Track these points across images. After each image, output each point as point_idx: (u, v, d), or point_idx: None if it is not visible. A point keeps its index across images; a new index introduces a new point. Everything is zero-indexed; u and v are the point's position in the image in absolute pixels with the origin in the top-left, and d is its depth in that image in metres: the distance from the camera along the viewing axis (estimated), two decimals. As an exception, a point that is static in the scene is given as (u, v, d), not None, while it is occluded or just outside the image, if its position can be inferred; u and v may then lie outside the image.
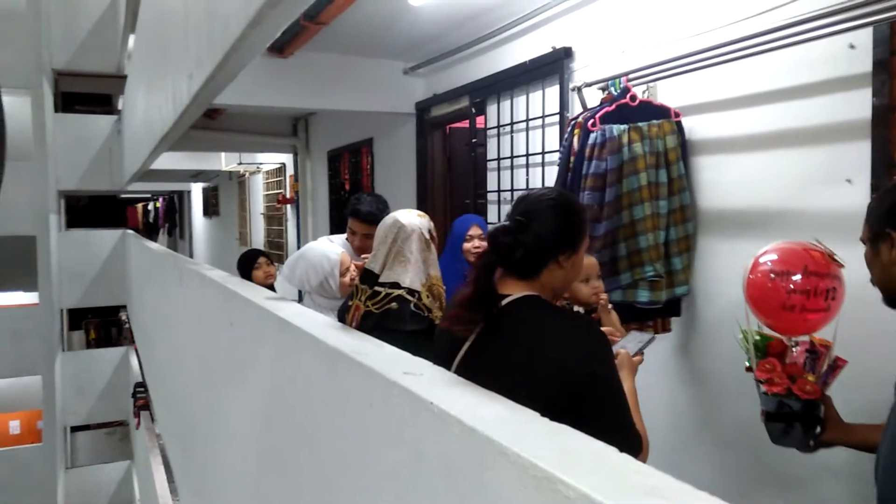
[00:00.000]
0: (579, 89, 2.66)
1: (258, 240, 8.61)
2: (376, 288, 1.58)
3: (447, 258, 2.60)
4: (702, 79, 2.40)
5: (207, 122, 6.29)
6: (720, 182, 2.41)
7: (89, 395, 5.70)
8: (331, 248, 2.28)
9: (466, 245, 2.67)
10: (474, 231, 2.69)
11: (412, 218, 1.76)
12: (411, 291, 1.58)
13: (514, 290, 1.34)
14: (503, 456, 0.89)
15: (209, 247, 12.38)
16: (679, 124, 2.45)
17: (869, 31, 1.86)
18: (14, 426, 9.21)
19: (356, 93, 4.37)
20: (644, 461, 1.26)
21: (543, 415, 1.08)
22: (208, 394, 2.30)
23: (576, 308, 1.81)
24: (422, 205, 4.50)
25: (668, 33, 2.53)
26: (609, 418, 1.24)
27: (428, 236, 1.72)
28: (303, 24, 3.48)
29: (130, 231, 6.10)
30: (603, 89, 2.57)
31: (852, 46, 1.92)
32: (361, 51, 4.19)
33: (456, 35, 3.71)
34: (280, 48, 3.95)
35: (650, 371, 2.31)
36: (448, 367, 1.38)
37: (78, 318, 10.09)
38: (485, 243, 2.07)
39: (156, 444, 4.35)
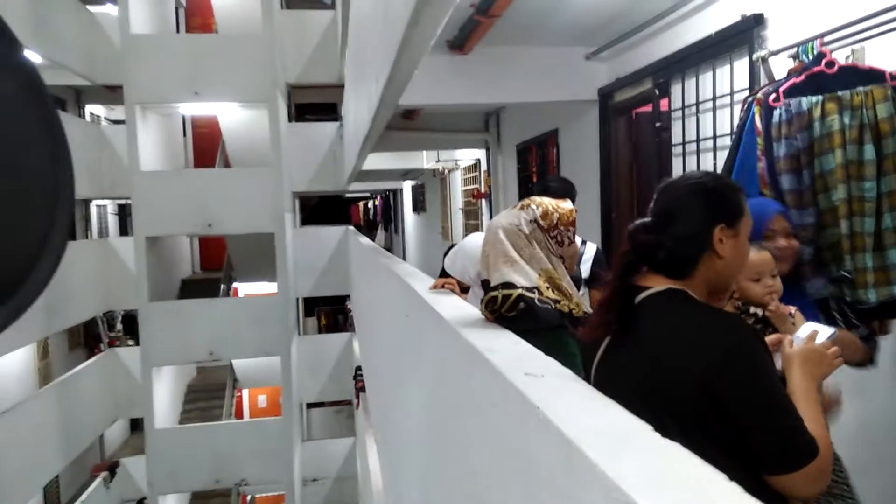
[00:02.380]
0: (763, 59, 2.36)
1: (458, 233, 8.97)
2: (491, 294, 1.57)
3: None
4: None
5: (406, 123, 6.66)
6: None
7: (320, 376, 6.38)
8: None
9: (767, 245, 1.87)
10: (776, 224, 1.87)
11: (499, 217, 1.70)
12: (529, 289, 1.54)
13: (657, 285, 1.24)
14: (593, 474, 0.86)
15: (417, 240, 13.17)
16: (895, 90, 2.06)
17: None
18: (261, 400, 10.71)
19: (538, 83, 4.33)
20: (822, 468, 1.11)
21: (671, 420, 1.01)
22: (395, 378, 2.49)
23: (752, 310, 1.62)
24: (605, 195, 4.35)
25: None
26: (759, 423, 1.09)
27: (528, 229, 1.60)
28: (476, 19, 3.52)
29: (352, 227, 6.74)
30: (793, 57, 2.25)
31: None
32: (540, 40, 4.14)
33: (636, 13, 3.50)
34: (460, 45, 4.03)
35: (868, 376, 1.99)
36: (589, 373, 1.34)
37: (311, 306, 11.38)
38: (793, 242, 1.83)
39: (371, 424, 4.75)
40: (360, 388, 5.13)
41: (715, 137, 3.07)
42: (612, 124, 4.28)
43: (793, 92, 2.07)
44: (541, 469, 1.04)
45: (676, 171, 3.44)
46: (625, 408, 0.92)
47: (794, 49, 2.26)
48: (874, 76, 2.08)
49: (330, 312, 12.42)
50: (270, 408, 9.85)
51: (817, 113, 2.01)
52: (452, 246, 4.07)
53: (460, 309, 1.99)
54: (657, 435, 0.93)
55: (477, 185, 7.75)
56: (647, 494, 0.73)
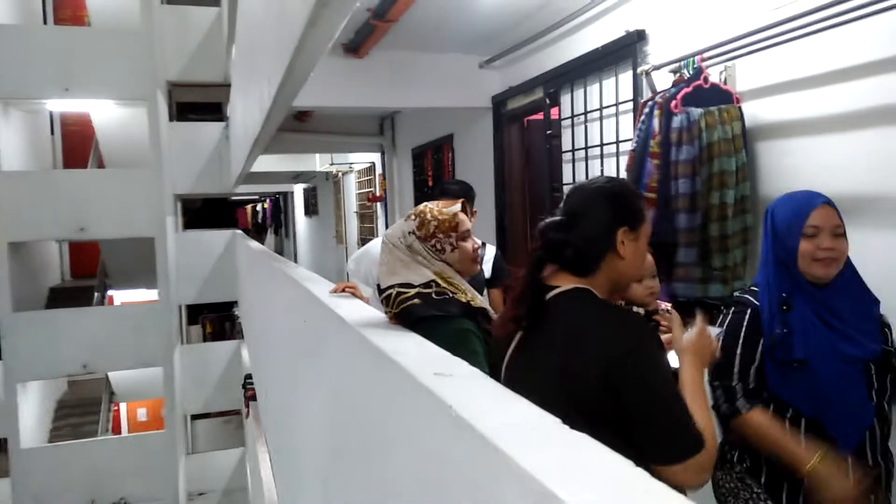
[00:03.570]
0: (647, 73, 2.53)
1: (352, 237, 8.89)
2: (388, 292, 1.59)
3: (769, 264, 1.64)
4: (774, 58, 2.20)
5: (298, 125, 6.53)
6: (785, 169, 2.21)
7: (206, 386, 6.12)
8: None
9: (806, 247, 1.55)
10: (821, 219, 1.54)
11: (390, 229, 1.73)
12: (426, 284, 1.58)
13: (565, 284, 1.29)
14: (508, 467, 0.88)
15: (310, 245, 12.90)
16: (741, 110, 2.27)
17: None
18: (142, 413, 10.09)
19: (433, 89, 4.38)
20: (708, 459, 1.19)
21: (577, 413, 1.05)
22: (291, 385, 2.41)
23: (634, 309, 1.73)
24: (500, 200, 4.47)
25: (745, 7, 2.35)
26: (652, 416, 1.15)
27: (407, 241, 1.64)
28: (372, 24, 3.50)
29: (239, 231, 6.50)
30: (674, 71, 2.43)
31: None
32: (436, 46, 4.19)
33: (528, 24, 3.63)
34: (355, 48, 4.01)
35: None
36: (498, 371, 1.37)
37: (195, 313, 10.86)
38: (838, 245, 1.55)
39: (262, 433, 4.60)
40: (251, 397, 5.00)
41: (602, 145, 3.24)
42: (506, 131, 4.40)
43: (684, 102, 2.23)
44: (454, 467, 1.05)
45: (566, 177, 3.60)
46: (535, 401, 0.95)
47: (676, 64, 2.42)
48: (728, 96, 2.30)
49: (216, 320, 11.95)
50: (152, 421, 9.32)
51: (703, 124, 2.19)
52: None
53: (363, 312, 1.97)
54: (567, 427, 0.97)
55: (372, 189, 7.72)
56: (563, 484, 0.76)
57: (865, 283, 1.61)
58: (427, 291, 1.56)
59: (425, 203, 1.74)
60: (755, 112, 2.31)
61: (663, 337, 1.42)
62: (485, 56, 4.24)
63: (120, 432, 9.74)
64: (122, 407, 10.04)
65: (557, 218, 1.34)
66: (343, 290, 2.48)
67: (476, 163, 4.79)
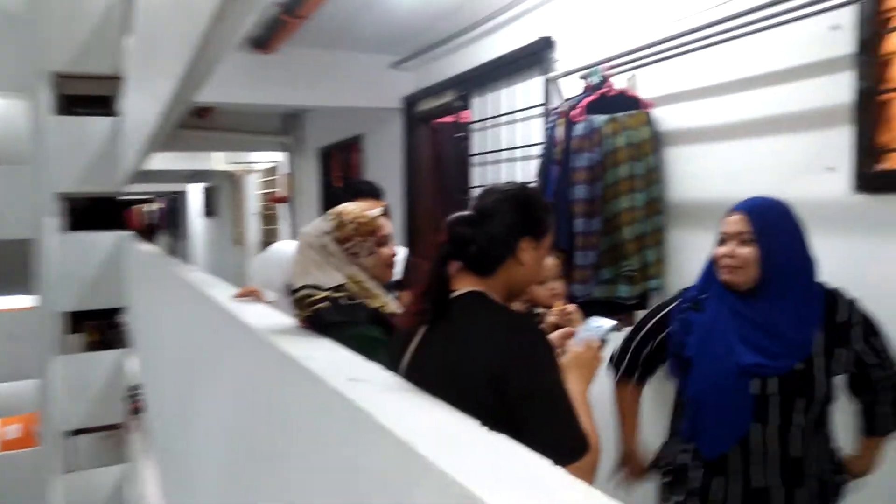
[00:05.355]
0: (555, 80, 2.58)
1: (254, 240, 8.60)
2: (297, 294, 1.53)
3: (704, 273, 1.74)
4: (680, 66, 2.32)
5: (198, 122, 6.24)
6: (693, 174, 2.34)
7: (86, 399, 5.69)
8: (293, 248, 2.24)
9: (716, 252, 1.62)
10: (729, 226, 1.60)
11: (307, 227, 1.68)
12: (336, 288, 1.53)
13: (465, 286, 1.29)
14: (429, 472, 0.83)
15: (207, 247, 12.36)
16: (651, 115, 2.38)
17: (852, 10, 1.78)
18: (12, 431, 9.23)
19: (343, 88, 4.30)
20: (592, 464, 1.19)
21: (470, 414, 1.03)
22: (186, 396, 2.26)
23: (537, 310, 1.75)
24: (409, 202, 4.44)
25: (648, 19, 2.45)
26: (542, 417, 1.16)
27: (322, 242, 1.60)
28: (282, 19, 3.40)
29: (128, 233, 6.09)
30: (583, 78, 2.50)
31: (835, 27, 1.84)
32: (347, 45, 4.12)
33: (442, 26, 3.64)
34: (262, 44, 3.88)
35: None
36: (399, 364, 1.34)
37: (78, 321, 10.08)
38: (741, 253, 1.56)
39: (149, 447, 4.34)
40: (137, 409, 4.73)
41: (512, 149, 3.28)
42: (417, 133, 4.38)
43: (589, 109, 2.29)
44: (372, 473, 0.99)
45: (476, 180, 3.61)
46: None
47: (583, 71, 2.49)
48: (636, 103, 2.38)
49: (100, 327, 11.17)
50: (25, 438, 8.54)
51: (607, 130, 2.25)
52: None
53: (269, 317, 1.87)
54: (484, 430, 0.93)
55: (276, 189, 7.48)
56: (485, 486, 0.72)
57: (821, 296, 1.54)
58: (337, 295, 1.50)
59: (346, 204, 1.68)
60: (660, 118, 2.41)
61: (561, 332, 1.44)
62: (397, 56, 4.20)
63: (-13, 451, 8.85)
64: (-12, 424, 9.14)
65: (467, 213, 1.33)
66: (246, 295, 2.35)
67: (386, 164, 4.74)
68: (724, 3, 2.12)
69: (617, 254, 2.30)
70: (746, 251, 1.52)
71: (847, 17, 1.80)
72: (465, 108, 3.71)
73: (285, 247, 2.25)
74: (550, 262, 1.74)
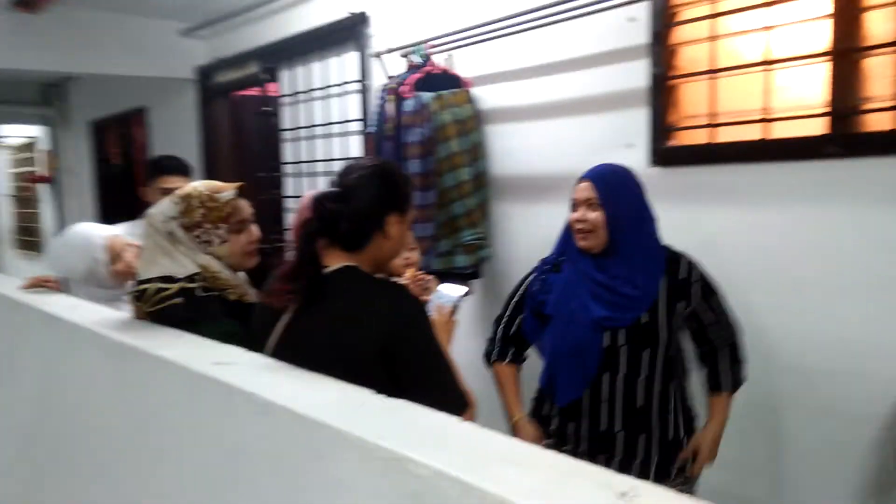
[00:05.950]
0: (376, 56, 2.59)
1: (4, 225, 7.41)
2: (143, 286, 1.38)
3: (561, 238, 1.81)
4: (495, 49, 2.47)
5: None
6: (512, 150, 2.51)
7: None
8: (97, 230, 1.99)
9: (571, 217, 1.73)
10: (578, 193, 1.71)
11: (154, 208, 1.49)
12: (190, 278, 1.38)
13: (336, 262, 1.29)
14: (344, 440, 0.83)
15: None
16: (471, 94, 2.51)
17: (647, 4, 2.02)
18: None
19: (122, 55, 3.86)
20: (472, 418, 1.27)
21: (362, 385, 1.04)
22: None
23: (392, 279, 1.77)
24: (209, 179, 4.14)
25: (463, 2, 2.56)
26: (429, 380, 1.25)
27: (168, 227, 1.43)
28: (52, -28, 2.96)
29: None
30: (405, 56, 2.54)
31: (632, 19, 2.08)
32: (129, 7, 3.70)
33: (239, -6, 3.42)
34: (28, 2, 3.34)
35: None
36: (264, 344, 1.28)
37: None
38: (591, 217, 1.66)
39: None
40: None
41: (327, 124, 3.23)
42: (213, 106, 4.10)
43: (417, 87, 2.33)
44: (263, 452, 0.95)
45: (286, 157, 3.49)
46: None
47: (406, 49, 2.53)
48: (458, 81, 2.50)
49: None
50: None
51: (434, 107, 2.32)
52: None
53: (81, 308, 1.66)
54: (384, 396, 0.95)
55: (35, 168, 6.49)
56: (413, 447, 0.75)
57: (664, 255, 1.69)
58: (191, 287, 1.36)
59: (195, 184, 1.50)
60: (480, 97, 2.55)
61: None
62: (187, 23, 3.86)
63: None
64: None
65: (333, 190, 1.33)
66: (37, 286, 2.06)
67: (177, 139, 4.37)
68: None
69: (453, 225, 2.40)
70: (595, 215, 1.65)
71: (643, 11, 2.05)
72: (271, 80, 3.55)
73: (88, 230, 1.98)
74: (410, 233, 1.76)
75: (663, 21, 2.03)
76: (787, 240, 1.84)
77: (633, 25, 2.08)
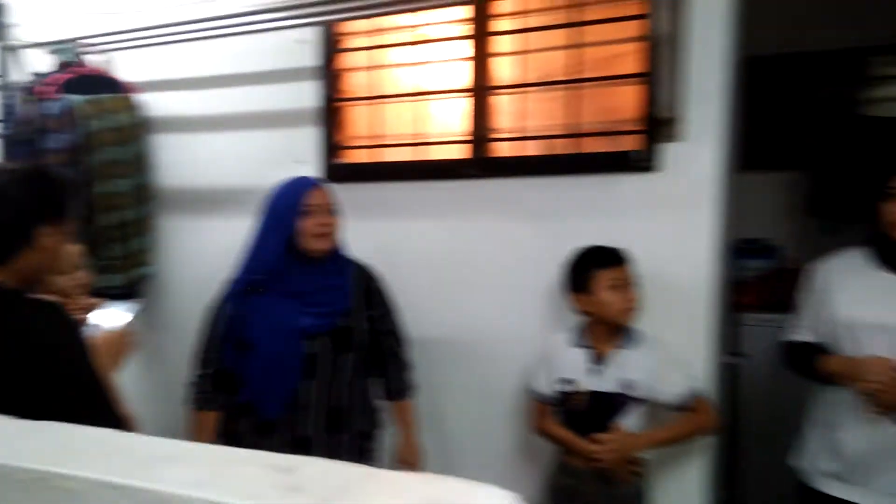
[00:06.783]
0: (14, 49, 2.24)
1: None
2: None
3: (266, 252, 1.73)
4: (165, 55, 2.35)
5: None
6: (182, 162, 2.42)
7: None
8: None
9: (304, 224, 1.71)
10: (315, 199, 1.73)
11: None
12: None
13: None
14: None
15: None
16: (134, 100, 2.35)
17: (318, 29, 2.12)
18: None
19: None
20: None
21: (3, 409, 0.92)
22: None
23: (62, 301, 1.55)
24: None
25: (123, 2, 2.36)
26: (79, 403, 1.14)
27: None
28: None
29: None
30: (53, 53, 2.25)
31: (302, 41, 2.16)
32: None
33: None
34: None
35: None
36: None
37: None
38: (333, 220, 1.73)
39: None
40: None
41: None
42: None
43: (65, 88, 2.09)
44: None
45: None
46: None
47: (53, 46, 2.25)
48: (118, 86, 2.31)
49: None
50: None
51: (86, 111, 2.09)
52: None
53: None
54: (30, 420, 0.85)
55: None
56: (61, 462, 0.71)
57: (354, 266, 1.83)
58: None
59: None
60: (148, 104, 2.40)
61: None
62: None
63: None
64: None
65: None
66: None
67: None
68: (204, 1, 2.22)
69: (100, 241, 2.20)
70: (334, 219, 1.74)
71: (313, 34, 2.14)
72: None
73: None
74: (74, 249, 1.53)
75: (330, 47, 2.15)
76: (441, 247, 2.11)
77: (304, 48, 2.17)
